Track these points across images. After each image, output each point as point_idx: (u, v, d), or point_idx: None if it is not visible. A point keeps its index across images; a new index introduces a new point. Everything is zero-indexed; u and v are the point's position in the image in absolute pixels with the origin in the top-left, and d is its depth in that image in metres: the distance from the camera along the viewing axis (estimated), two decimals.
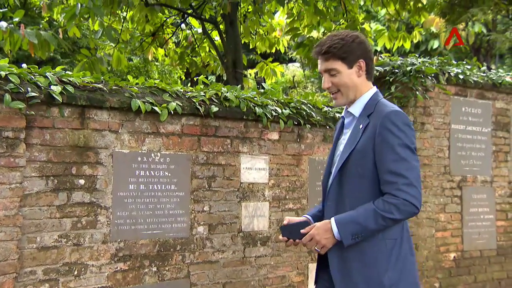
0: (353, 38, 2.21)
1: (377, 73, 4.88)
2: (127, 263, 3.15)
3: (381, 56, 5.50)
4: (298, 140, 4.08)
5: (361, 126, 2.18)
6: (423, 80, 4.77)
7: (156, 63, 10.97)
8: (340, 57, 2.18)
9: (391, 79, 4.81)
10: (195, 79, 7.44)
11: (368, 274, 2.07)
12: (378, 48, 11.25)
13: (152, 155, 3.34)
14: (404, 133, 2.10)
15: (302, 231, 2.12)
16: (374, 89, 2.29)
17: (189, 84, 13.71)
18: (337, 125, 2.42)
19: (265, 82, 8.06)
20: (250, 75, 10.13)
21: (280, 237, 2.21)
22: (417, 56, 5.24)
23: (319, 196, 4.17)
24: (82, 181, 3.04)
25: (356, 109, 2.23)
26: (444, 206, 4.95)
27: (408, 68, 4.75)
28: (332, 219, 2.06)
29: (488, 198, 5.31)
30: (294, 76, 17.63)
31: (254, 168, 3.82)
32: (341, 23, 6.93)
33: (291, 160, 4.03)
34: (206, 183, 3.56)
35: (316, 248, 2.11)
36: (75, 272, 2.96)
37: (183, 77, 12.55)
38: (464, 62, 5.48)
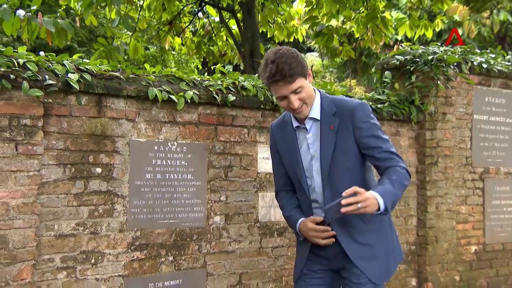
0: (295, 53, 2.38)
1: (398, 62, 4.78)
2: (143, 252, 3.15)
3: (401, 45, 5.38)
4: None
5: (331, 126, 2.44)
6: (445, 70, 4.66)
7: (173, 52, 10.97)
8: (301, 74, 2.35)
9: (411, 69, 4.70)
10: (212, 67, 7.41)
11: (384, 248, 2.51)
12: (399, 37, 11.07)
13: (169, 144, 3.31)
14: (375, 119, 2.49)
15: (359, 190, 2.23)
16: (315, 89, 2.52)
17: (206, 74, 13.69)
18: (280, 132, 2.63)
19: None
20: None
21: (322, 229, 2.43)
22: (439, 45, 5.12)
23: None
24: (99, 170, 3.03)
25: (316, 112, 2.47)
26: (466, 198, 4.85)
27: (430, 57, 4.64)
28: (376, 193, 2.26)
29: (511, 190, 5.19)
30: (312, 66, 17.50)
31: (271, 158, 3.76)
32: (361, 11, 6.81)
33: None
34: (222, 173, 3.53)
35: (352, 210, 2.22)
36: (92, 260, 2.97)
37: (200, 67, 12.53)
38: (488, 51, 5.34)
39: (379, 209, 2.25)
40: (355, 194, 2.20)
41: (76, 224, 2.93)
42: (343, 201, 2.18)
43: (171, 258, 3.25)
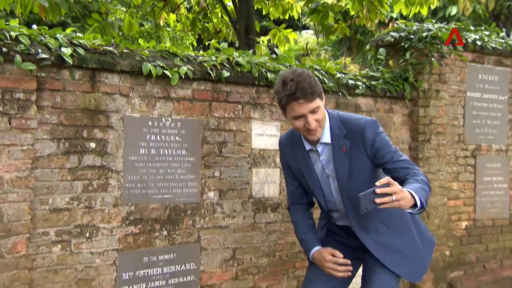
0: (311, 73, 2.41)
1: (392, 39, 4.77)
2: (138, 226, 3.18)
3: (396, 23, 5.36)
4: None
5: (343, 149, 2.48)
6: (439, 47, 4.66)
7: (168, 29, 10.87)
8: (319, 94, 2.38)
9: (406, 45, 4.70)
10: (206, 44, 7.37)
11: (415, 248, 2.59)
12: (394, 15, 10.99)
13: (163, 119, 3.32)
14: (383, 133, 2.51)
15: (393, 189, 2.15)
16: (324, 110, 2.50)
17: (200, 51, 13.60)
18: (290, 150, 2.69)
19: (278, 48, 7.94)
20: (263, 42, 10.00)
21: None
22: (434, 22, 5.10)
23: None
24: (93, 145, 3.04)
25: (327, 136, 2.50)
26: (457, 175, 4.90)
27: (424, 34, 4.63)
28: (410, 189, 2.22)
29: (502, 167, 5.24)
30: (307, 44, 17.39)
31: (265, 135, 3.79)
32: None
33: None
34: (217, 149, 3.55)
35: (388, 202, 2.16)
36: (87, 234, 2.99)
37: (195, 44, 12.44)
38: (482, 28, 5.33)
39: (415, 205, 2.20)
40: (388, 185, 2.15)
41: (71, 198, 2.95)
42: (378, 190, 2.12)
43: (165, 233, 3.28)
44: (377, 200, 2.12)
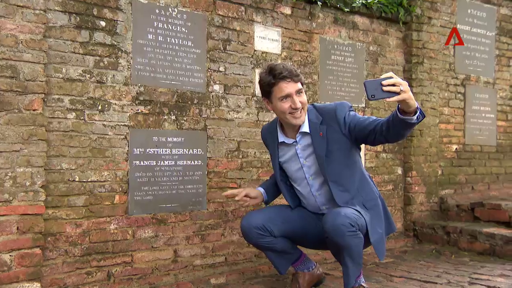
0: None
1: None
2: (147, 107, 3.22)
3: None
4: (310, 18, 4.12)
5: (321, 134, 2.67)
6: None
7: None
8: (302, 80, 2.66)
9: None
10: None
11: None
12: None
13: (170, 9, 3.36)
14: (354, 111, 2.75)
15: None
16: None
17: None
18: (269, 137, 2.94)
19: None
20: None
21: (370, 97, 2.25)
22: None
23: (330, 75, 4.24)
24: (103, 23, 3.07)
25: (305, 126, 2.72)
26: (448, 101, 5.06)
27: None
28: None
29: (490, 99, 5.43)
30: None
31: (267, 38, 3.86)
32: None
33: (303, 36, 4.07)
34: (221, 45, 3.60)
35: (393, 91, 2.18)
36: (99, 107, 3.03)
37: None
38: None
39: (415, 112, 2.25)
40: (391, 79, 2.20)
41: (83, 71, 2.98)
42: (384, 82, 2.13)
43: (173, 117, 3.33)
44: (385, 87, 2.14)
